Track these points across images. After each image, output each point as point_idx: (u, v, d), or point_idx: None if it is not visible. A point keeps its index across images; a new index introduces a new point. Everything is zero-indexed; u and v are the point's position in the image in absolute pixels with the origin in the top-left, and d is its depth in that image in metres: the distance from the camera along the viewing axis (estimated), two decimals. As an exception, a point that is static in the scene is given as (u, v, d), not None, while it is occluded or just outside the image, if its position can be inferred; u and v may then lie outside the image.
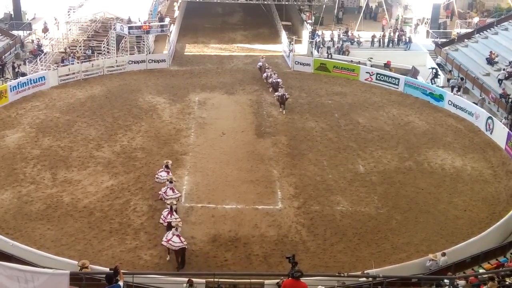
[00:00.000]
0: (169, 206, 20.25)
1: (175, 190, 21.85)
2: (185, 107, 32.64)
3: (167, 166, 23.06)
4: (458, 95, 34.16)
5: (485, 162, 27.08)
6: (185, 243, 18.78)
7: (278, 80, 34.12)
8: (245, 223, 21.75)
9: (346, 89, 36.61)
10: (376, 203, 23.35)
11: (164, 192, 21.63)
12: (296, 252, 19.07)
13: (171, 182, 21.75)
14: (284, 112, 31.72)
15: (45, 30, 43.78)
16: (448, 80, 38.15)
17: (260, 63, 37.65)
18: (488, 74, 36.31)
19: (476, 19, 48.04)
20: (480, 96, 32.97)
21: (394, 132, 30.08)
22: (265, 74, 36.46)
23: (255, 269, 19.08)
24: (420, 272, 17.96)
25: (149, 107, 32.44)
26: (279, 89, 32.94)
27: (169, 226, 19.30)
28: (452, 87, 36.67)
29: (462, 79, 37.59)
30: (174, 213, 20.14)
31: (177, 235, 18.68)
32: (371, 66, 39.08)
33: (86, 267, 16.17)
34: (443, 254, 18.38)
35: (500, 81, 35.08)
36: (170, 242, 18.64)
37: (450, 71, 39.66)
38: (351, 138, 29.15)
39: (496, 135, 28.93)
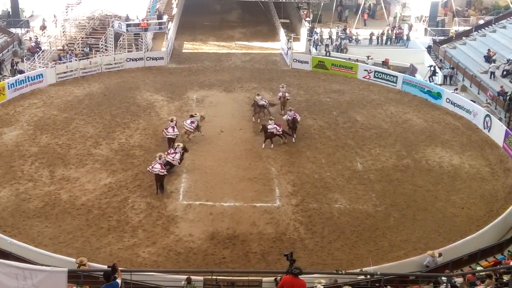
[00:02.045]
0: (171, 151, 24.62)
1: (175, 129, 26.68)
2: (183, 105, 32.62)
3: (171, 120, 27.10)
4: (456, 93, 34.21)
5: (483, 160, 27.12)
6: (164, 172, 22.98)
7: (296, 116, 28.21)
8: (243, 220, 21.76)
9: (344, 87, 36.62)
10: (374, 201, 23.38)
11: (165, 129, 26.60)
12: (294, 250, 19.02)
13: (172, 121, 26.87)
14: (293, 140, 28.03)
15: (43, 27, 43.69)
16: (440, 68, 39.08)
17: (280, 93, 31.80)
18: (486, 72, 36.36)
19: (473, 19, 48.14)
20: (486, 101, 32.93)
21: (392, 130, 30.10)
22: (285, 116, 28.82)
23: (253, 266, 19.12)
24: (417, 270, 17.99)
25: (147, 104, 32.42)
26: (289, 112, 28.30)
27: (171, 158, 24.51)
28: (445, 76, 38.00)
29: (452, 68, 38.74)
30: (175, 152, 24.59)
31: (160, 163, 23.02)
32: (372, 64, 39.04)
33: (84, 265, 16.20)
34: (439, 255, 18.39)
35: (492, 74, 35.29)
36: (153, 168, 22.94)
37: (441, 60, 40.61)
38: (349, 136, 29.17)
39: (494, 133, 28.96)
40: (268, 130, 27.14)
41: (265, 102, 30.78)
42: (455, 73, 38.55)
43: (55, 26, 43.73)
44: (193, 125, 27.63)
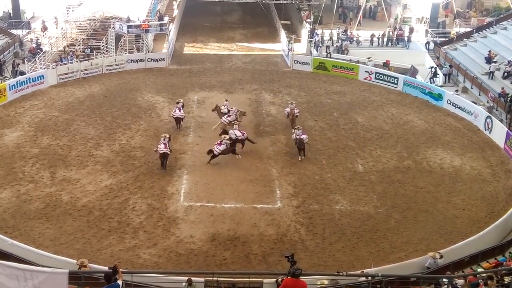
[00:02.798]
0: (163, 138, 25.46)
1: (182, 110, 29.20)
2: (184, 106, 32.55)
3: (178, 102, 29.66)
4: (457, 94, 34.20)
5: (484, 161, 27.10)
6: (168, 151, 25.16)
7: (303, 136, 26.27)
8: (244, 222, 21.75)
9: (345, 88, 36.62)
10: (375, 202, 23.36)
11: (173, 111, 29.37)
12: (295, 251, 19.08)
13: (178, 103, 29.49)
14: (301, 159, 26.43)
15: (44, 28, 43.73)
16: (438, 66, 39.69)
17: (288, 109, 29.61)
18: (487, 74, 36.35)
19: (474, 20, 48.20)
20: (488, 102, 32.92)
21: (393, 131, 30.09)
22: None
23: (254, 268, 19.08)
24: (419, 271, 17.97)
25: (148, 106, 32.43)
26: (296, 130, 26.43)
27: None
28: (444, 75, 38.39)
29: (451, 67, 39.38)
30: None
31: (164, 143, 25.08)
32: (373, 65, 39.05)
33: (85, 266, 16.18)
34: (441, 256, 18.37)
35: (491, 73, 35.32)
36: (158, 148, 25.13)
37: (437, 57, 41.43)
38: (350, 137, 29.16)
39: (495, 134, 28.95)
40: (230, 136, 26.00)
41: (231, 110, 28.86)
42: (456, 74, 38.68)
43: (56, 27, 43.77)
44: (229, 118, 28.32)
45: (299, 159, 26.31)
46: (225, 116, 28.64)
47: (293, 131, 26.85)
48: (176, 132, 29.03)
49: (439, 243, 20.25)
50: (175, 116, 29.10)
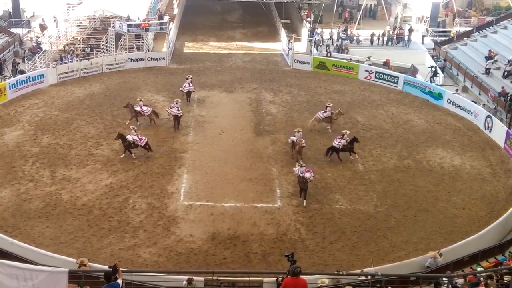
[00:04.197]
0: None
1: (191, 85, 32.91)
2: (184, 106, 32.57)
3: (187, 78, 33.19)
4: (457, 93, 34.18)
5: (484, 160, 27.10)
6: (180, 113, 28.88)
7: (307, 175, 22.80)
8: (244, 221, 21.76)
9: (345, 88, 36.62)
10: (375, 202, 23.37)
11: (183, 86, 32.93)
12: (295, 250, 19.07)
13: (187, 78, 33.25)
14: (305, 204, 22.83)
15: (42, 28, 43.68)
16: (432, 57, 41.20)
17: (294, 138, 26.22)
18: (486, 73, 36.32)
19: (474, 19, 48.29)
20: (492, 104, 32.88)
21: (393, 130, 30.09)
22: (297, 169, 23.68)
23: (254, 267, 19.11)
24: (418, 271, 17.97)
25: (148, 105, 32.36)
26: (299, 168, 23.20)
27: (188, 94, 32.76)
28: (441, 68, 39.09)
29: (445, 60, 40.35)
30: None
31: (176, 107, 28.59)
32: (370, 64, 39.04)
33: (85, 265, 16.18)
34: (440, 255, 18.38)
35: (487, 70, 35.32)
36: (171, 109, 28.66)
37: (434, 49, 42.71)
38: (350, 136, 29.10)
39: (495, 133, 28.94)
40: (127, 141, 25.57)
41: (146, 108, 29.13)
42: (456, 73, 38.73)
43: (56, 26, 43.76)
44: (324, 114, 29.24)
45: (303, 204, 22.75)
46: (321, 112, 29.53)
47: (296, 166, 23.68)
48: (176, 131, 29.06)
49: (439, 243, 20.26)
50: (173, 114, 29.07)
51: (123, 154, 25.97)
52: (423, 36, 45.19)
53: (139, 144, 25.68)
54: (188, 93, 32.62)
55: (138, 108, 28.99)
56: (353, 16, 50.56)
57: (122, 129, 28.91)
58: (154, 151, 26.73)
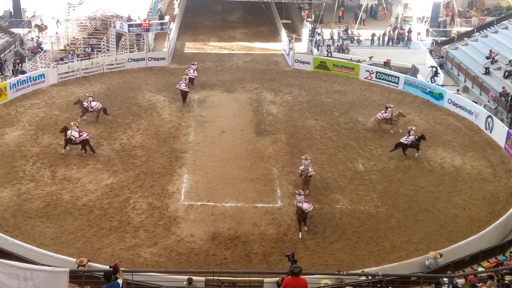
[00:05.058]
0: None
1: (196, 72, 35.16)
2: (185, 105, 32.61)
3: (193, 64, 35.62)
4: (458, 94, 34.18)
5: (485, 160, 27.09)
6: (187, 89, 32.16)
7: (305, 205, 20.94)
8: (245, 221, 21.76)
9: (346, 88, 36.62)
10: (375, 202, 23.36)
11: (187, 71, 34.53)
12: (296, 250, 19.14)
13: (193, 64, 35.48)
14: (300, 236, 20.96)
15: (40, 29, 43.66)
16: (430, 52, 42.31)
17: (302, 167, 23.62)
18: (487, 73, 36.32)
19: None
20: (493, 105, 32.88)
21: (394, 130, 30.04)
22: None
23: (255, 267, 19.11)
24: (419, 271, 17.97)
25: (148, 105, 32.44)
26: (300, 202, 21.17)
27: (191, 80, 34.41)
28: (440, 66, 39.51)
29: (442, 57, 41.00)
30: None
31: (184, 83, 31.94)
32: (371, 64, 39.02)
33: (84, 265, 16.16)
34: (440, 256, 18.37)
35: (486, 69, 35.32)
36: (180, 86, 32.19)
37: (432, 44, 43.30)
38: (351, 137, 29.15)
39: (495, 134, 28.93)
40: (67, 137, 25.55)
41: (95, 104, 29.21)
42: (457, 73, 38.78)
43: (57, 27, 43.77)
44: (384, 114, 29.27)
45: (299, 235, 20.93)
46: (382, 112, 29.57)
47: (304, 193, 22.38)
48: (177, 131, 29.10)
49: (440, 243, 20.27)
50: (180, 89, 32.29)
51: (63, 150, 25.95)
52: (418, 33, 45.28)
53: (76, 140, 25.62)
54: (184, 94, 32.38)
55: (85, 104, 29.16)
56: (358, 16, 50.46)
57: (123, 129, 28.99)
58: (154, 151, 26.75)
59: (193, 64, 35.64)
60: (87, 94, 30.50)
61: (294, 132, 29.48)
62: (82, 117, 29.30)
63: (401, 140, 26.90)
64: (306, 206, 20.91)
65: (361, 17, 48.86)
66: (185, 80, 32.28)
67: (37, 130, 28.46)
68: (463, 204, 23.33)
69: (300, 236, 20.87)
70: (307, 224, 21.29)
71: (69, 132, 25.66)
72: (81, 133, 25.86)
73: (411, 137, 26.71)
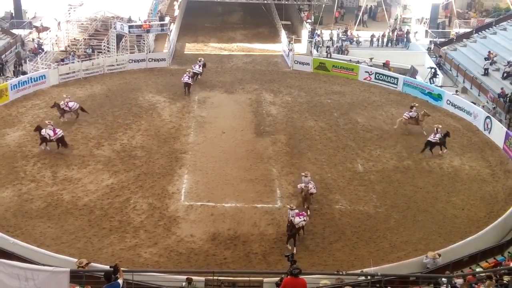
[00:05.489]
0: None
1: (201, 68, 36.61)
2: (185, 106, 32.73)
3: (199, 61, 37.02)
4: (457, 94, 34.27)
5: (483, 161, 27.19)
6: (190, 81, 34.30)
7: (297, 219, 19.98)
8: (245, 221, 21.85)
9: (345, 89, 36.70)
10: (374, 202, 23.46)
11: (193, 66, 36.47)
12: (295, 251, 19.21)
13: (200, 61, 36.87)
14: (295, 251, 19.67)
15: (38, 30, 43.70)
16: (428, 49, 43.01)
17: (302, 184, 22.38)
18: (486, 74, 36.41)
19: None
20: (491, 105, 32.96)
21: (393, 131, 30.15)
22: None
23: (254, 267, 19.18)
24: (418, 271, 18.06)
25: (149, 105, 32.53)
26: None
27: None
28: (437, 65, 40.08)
29: (440, 56, 41.63)
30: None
31: (188, 76, 34.35)
32: (371, 65, 39.10)
33: (83, 267, 16.22)
34: (439, 255, 18.45)
35: (485, 70, 35.40)
36: (184, 79, 34.22)
37: (429, 44, 44.22)
38: (350, 137, 29.25)
39: (494, 134, 29.02)
40: (42, 135, 25.91)
41: (73, 104, 29.55)
42: (456, 74, 38.87)
43: (58, 28, 43.84)
44: (410, 114, 29.60)
45: (294, 251, 19.61)
46: (407, 112, 29.80)
47: (306, 208, 21.81)
48: (177, 132, 29.20)
49: (439, 243, 20.35)
50: (193, 71, 35.38)
51: (40, 146, 26.30)
52: (415, 33, 45.38)
53: (52, 138, 26.04)
54: (187, 85, 34.36)
55: (63, 106, 29.29)
56: (362, 18, 50.57)
57: (124, 130, 29.07)
58: (155, 151, 26.85)
59: (199, 61, 37.09)
60: (64, 95, 30.50)
61: (293, 133, 29.58)
62: (63, 119, 29.40)
63: (429, 139, 27.37)
64: (297, 220, 19.85)
65: (361, 18, 48.92)
66: (189, 73, 34.59)
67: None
68: (462, 205, 23.42)
69: (294, 251, 19.30)
70: (301, 237, 20.42)
71: (43, 130, 26.08)
72: (56, 131, 26.28)
73: (438, 135, 27.22)
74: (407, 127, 29.85)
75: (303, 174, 22.86)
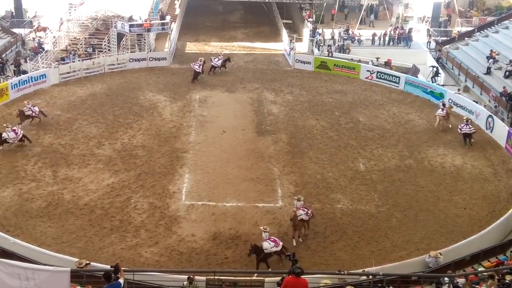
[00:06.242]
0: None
1: (201, 67, 36.58)
2: (186, 105, 32.68)
3: (200, 60, 37.02)
4: (459, 93, 34.18)
5: (485, 160, 27.10)
6: (200, 70, 36.06)
7: (265, 246, 18.73)
8: (246, 221, 21.80)
9: (347, 87, 36.63)
10: (376, 201, 23.39)
11: (193, 64, 36.79)
12: (297, 250, 19.17)
13: (200, 60, 36.88)
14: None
15: (37, 30, 43.66)
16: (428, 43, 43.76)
17: (294, 209, 20.82)
18: (488, 73, 36.32)
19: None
20: (493, 105, 32.85)
21: (395, 130, 30.09)
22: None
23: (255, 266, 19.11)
24: (420, 270, 18.00)
25: (149, 105, 32.48)
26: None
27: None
28: (436, 60, 40.59)
29: (439, 50, 42.06)
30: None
31: (199, 64, 36.09)
32: (376, 65, 38.97)
33: (82, 267, 16.18)
34: (440, 255, 18.39)
35: (488, 69, 35.34)
36: (194, 67, 35.99)
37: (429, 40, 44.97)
38: (352, 136, 29.18)
39: (496, 133, 28.93)
40: (2, 137, 25.85)
41: (36, 110, 28.97)
42: (458, 73, 38.73)
43: (59, 28, 43.82)
44: (443, 111, 29.98)
45: (289, 258, 18.12)
46: (440, 110, 30.35)
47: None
48: (178, 131, 29.15)
49: (440, 242, 20.30)
50: (193, 69, 36.27)
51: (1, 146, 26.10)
52: (411, 29, 45.18)
53: (15, 140, 26.09)
54: (196, 74, 36.09)
55: (29, 112, 28.72)
56: (368, 16, 50.40)
57: (124, 129, 29.02)
58: (155, 151, 26.80)
59: (219, 54, 39.16)
60: (25, 102, 29.85)
61: (295, 132, 29.52)
62: (28, 124, 28.73)
63: (466, 131, 27.96)
64: (266, 245, 18.47)
65: (363, 17, 48.77)
66: (200, 61, 36.29)
67: (39, 130, 28.52)
68: (464, 204, 23.34)
69: (289, 258, 18.02)
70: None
71: (4, 134, 25.86)
72: (16, 132, 26.20)
73: (470, 125, 28.01)
74: (443, 124, 30.18)
75: (295, 198, 21.26)
